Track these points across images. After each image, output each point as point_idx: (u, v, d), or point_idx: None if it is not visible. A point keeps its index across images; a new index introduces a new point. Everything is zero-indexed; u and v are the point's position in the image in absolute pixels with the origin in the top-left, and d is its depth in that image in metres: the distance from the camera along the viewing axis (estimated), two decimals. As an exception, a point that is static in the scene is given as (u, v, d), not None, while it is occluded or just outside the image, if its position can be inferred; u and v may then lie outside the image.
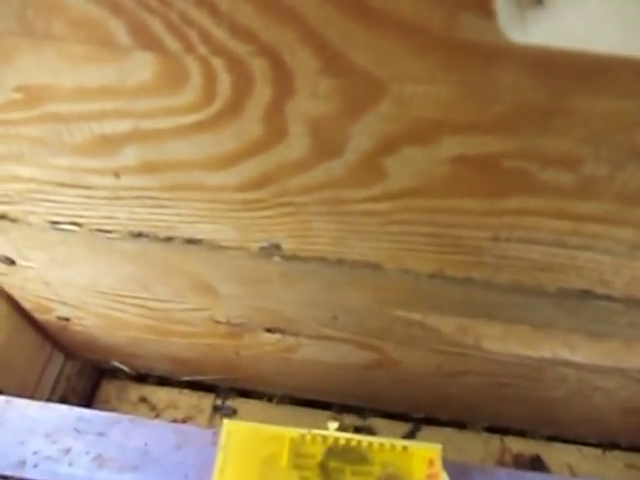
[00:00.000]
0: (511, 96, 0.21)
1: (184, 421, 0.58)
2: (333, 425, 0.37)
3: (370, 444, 0.37)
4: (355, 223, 0.30)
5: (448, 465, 0.38)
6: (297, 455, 0.36)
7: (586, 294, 0.32)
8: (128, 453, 0.38)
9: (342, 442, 0.37)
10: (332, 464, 0.36)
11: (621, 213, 0.26)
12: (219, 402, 0.59)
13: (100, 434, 0.38)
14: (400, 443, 0.37)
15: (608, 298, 0.32)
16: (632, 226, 0.27)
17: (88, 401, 0.59)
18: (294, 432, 0.37)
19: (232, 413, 0.58)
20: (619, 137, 0.22)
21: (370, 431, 0.56)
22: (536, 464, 0.56)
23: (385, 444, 0.37)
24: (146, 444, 0.38)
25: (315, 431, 0.37)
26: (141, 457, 0.38)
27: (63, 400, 0.57)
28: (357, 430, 0.56)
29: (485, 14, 0.18)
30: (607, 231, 0.27)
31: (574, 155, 0.23)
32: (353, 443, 0.37)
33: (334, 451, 0.37)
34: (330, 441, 0.37)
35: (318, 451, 0.36)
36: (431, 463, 0.36)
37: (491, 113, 0.22)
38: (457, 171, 0.25)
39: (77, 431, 0.39)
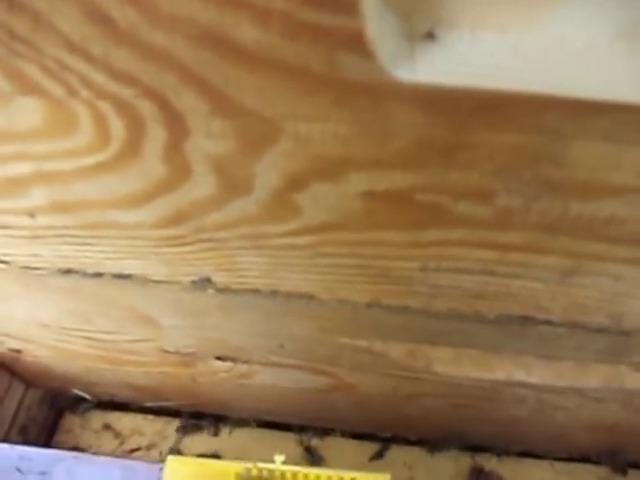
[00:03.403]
0: (408, 132, 0.20)
1: (149, 448, 0.57)
2: (280, 458, 0.37)
3: (318, 476, 0.36)
4: (281, 256, 0.29)
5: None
6: (243, 490, 0.35)
7: (526, 320, 0.31)
8: (72, 492, 0.37)
9: (289, 475, 0.36)
10: (279, 498, 0.35)
11: (544, 242, 0.25)
12: (184, 428, 0.58)
13: (43, 473, 0.37)
14: (348, 475, 0.36)
15: (549, 323, 0.32)
16: (558, 254, 0.26)
17: (50, 431, 0.58)
18: (239, 466, 0.36)
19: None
20: (526, 171, 0.21)
21: (324, 454, 0.55)
22: None
23: (333, 477, 0.36)
24: (91, 482, 0.37)
25: (261, 464, 0.36)
26: (85, 496, 0.37)
27: (23, 430, 0.55)
28: (311, 452, 0.55)
29: (364, 54, 0.17)
30: (533, 260, 0.26)
31: (485, 188, 0.22)
32: (300, 476, 0.36)
33: (281, 485, 0.36)
34: (276, 475, 0.36)
35: (264, 485, 0.36)
36: (379, 495, 0.35)
37: (392, 149, 0.21)
38: (370, 206, 0.24)
39: (19, 471, 0.38)
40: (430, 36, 0.19)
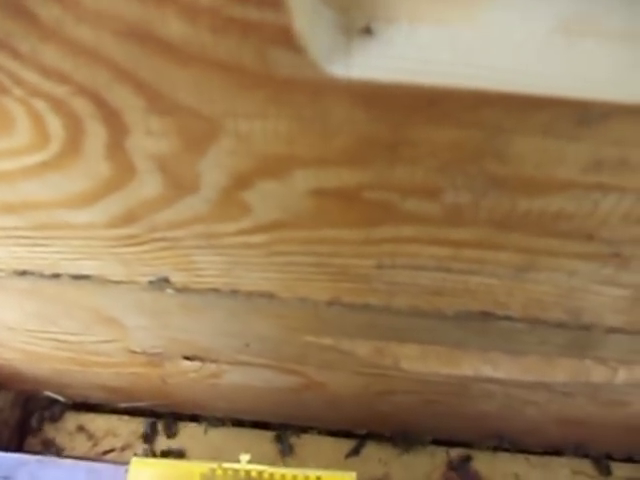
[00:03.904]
0: (349, 129, 0.20)
1: (123, 449, 0.57)
2: (245, 457, 0.36)
3: (283, 476, 0.36)
4: (237, 255, 0.28)
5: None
6: (208, 491, 0.35)
7: (486, 316, 0.31)
8: (35, 496, 0.37)
9: (254, 475, 0.36)
10: (244, 498, 0.35)
11: (495, 238, 0.25)
12: (159, 428, 0.57)
13: (6, 478, 0.37)
14: (314, 473, 0.36)
15: (509, 319, 0.32)
16: (510, 250, 0.26)
17: (23, 433, 0.57)
18: (204, 466, 0.36)
19: (172, 436, 0.57)
20: (471, 167, 0.21)
21: (301, 453, 0.55)
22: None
23: (298, 475, 0.36)
24: (55, 485, 0.37)
25: (226, 464, 0.36)
26: (49, 499, 0.37)
27: (-5, 434, 0.55)
28: (287, 451, 0.55)
29: (295, 49, 0.17)
30: (487, 256, 0.26)
31: (431, 185, 0.22)
32: (265, 475, 0.36)
33: (246, 485, 0.35)
34: (241, 474, 0.36)
35: (229, 485, 0.35)
36: (344, 493, 0.35)
37: (335, 146, 0.21)
38: (320, 204, 0.24)
39: (-19, 475, 0.37)
40: (367, 31, 0.19)
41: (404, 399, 0.45)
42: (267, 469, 0.36)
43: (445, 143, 0.20)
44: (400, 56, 0.19)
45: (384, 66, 0.18)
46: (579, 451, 0.55)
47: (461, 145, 0.20)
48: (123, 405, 0.56)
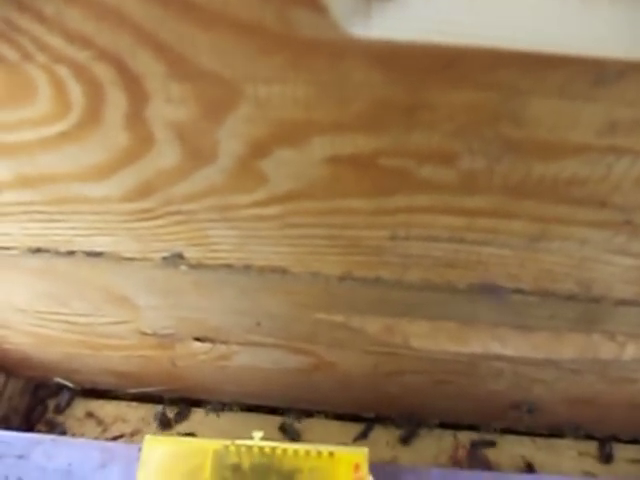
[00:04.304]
0: (367, 93, 0.20)
1: (132, 434, 0.57)
2: (258, 434, 0.37)
3: (296, 452, 0.36)
4: (250, 229, 0.29)
5: (377, 468, 0.37)
6: (221, 467, 0.35)
7: (497, 289, 0.32)
8: (50, 475, 0.37)
9: (267, 451, 0.36)
10: (257, 474, 0.35)
11: (509, 206, 0.25)
12: (168, 414, 0.58)
13: (20, 457, 0.37)
14: (326, 449, 0.36)
15: (520, 292, 0.32)
16: (524, 219, 0.26)
17: (32, 420, 0.57)
18: (217, 444, 0.36)
19: (182, 422, 0.57)
20: (487, 130, 0.21)
21: (309, 437, 0.56)
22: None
23: (311, 451, 0.36)
24: (69, 464, 0.37)
25: (239, 441, 0.36)
26: (64, 478, 0.37)
27: (5, 420, 0.55)
28: (295, 435, 0.55)
29: (317, 10, 0.17)
30: (500, 225, 0.26)
31: (447, 150, 0.22)
32: (278, 452, 0.36)
33: (259, 461, 0.36)
34: (255, 451, 0.36)
35: (242, 462, 0.36)
36: (357, 468, 0.35)
37: (352, 111, 0.21)
38: (336, 172, 0.24)
39: (-4, 455, 0.37)
40: (386, -7, 0.19)
41: (413, 379, 0.46)
42: (279, 445, 0.36)
43: (462, 106, 0.20)
44: (418, 17, 0.19)
45: (403, 27, 0.19)
46: (584, 432, 0.56)
47: (478, 107, 0.20)
48: (132, 391, 0.56)
